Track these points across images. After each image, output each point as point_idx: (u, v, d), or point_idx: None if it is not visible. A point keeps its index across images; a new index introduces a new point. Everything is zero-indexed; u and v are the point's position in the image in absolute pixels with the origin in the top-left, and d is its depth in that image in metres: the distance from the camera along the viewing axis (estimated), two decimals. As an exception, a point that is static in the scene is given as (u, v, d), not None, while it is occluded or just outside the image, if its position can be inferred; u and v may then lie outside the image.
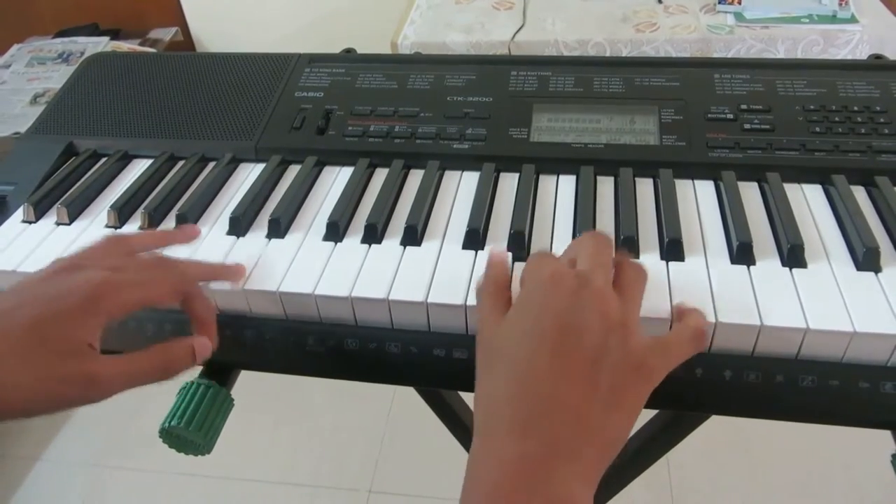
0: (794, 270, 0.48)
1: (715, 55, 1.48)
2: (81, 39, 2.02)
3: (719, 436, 1.50)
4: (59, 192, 0.62)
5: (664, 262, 0.49)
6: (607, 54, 1.51)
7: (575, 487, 0.34)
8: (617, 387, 0.37)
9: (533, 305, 0.39)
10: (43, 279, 0.42)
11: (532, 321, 0.39)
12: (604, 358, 0.37)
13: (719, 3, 1.55)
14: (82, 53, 1.94)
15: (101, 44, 1.98)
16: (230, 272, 0.50)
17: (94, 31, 2.15)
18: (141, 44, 2.08)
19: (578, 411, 0.36)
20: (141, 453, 1.61)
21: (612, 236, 0.47)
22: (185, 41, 2.30)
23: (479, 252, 0.52)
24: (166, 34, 2.17)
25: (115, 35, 2.13)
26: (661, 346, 0.40)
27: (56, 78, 1.86)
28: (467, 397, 0.85)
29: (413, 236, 0.53)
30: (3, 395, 0.37)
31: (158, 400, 0.52)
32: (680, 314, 0.44)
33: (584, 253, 0.42)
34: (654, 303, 0.46)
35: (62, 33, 2.10)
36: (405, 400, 1.63)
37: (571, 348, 0.37)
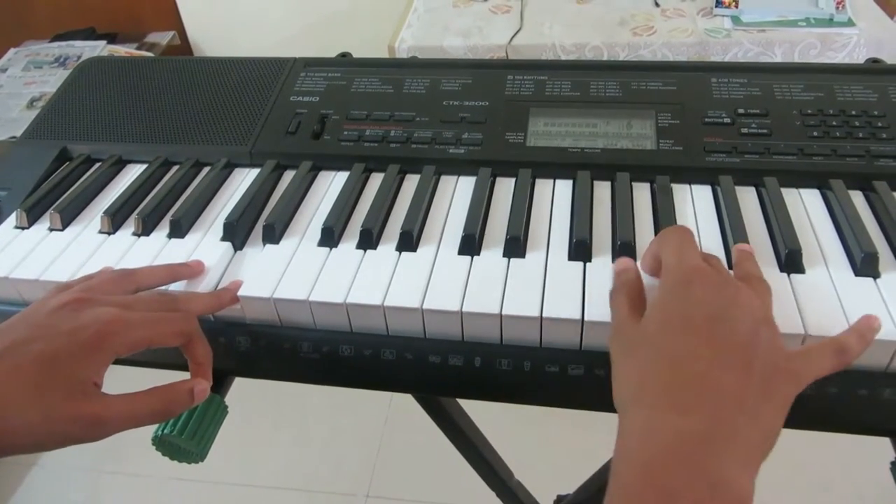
0: (791, 276, 0.47)
1: (712, 59, 1.48)
2: (78, 43, 2.02)
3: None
4: (52, 198, 0.62)
5: (661, 268, 0.49)
6: (605, 58, 1.51)
7: (735, 470, 0.33)
8: (769, 378, 0.37)
9: (679, 297, 0.40)
10: (52, 312, 0.42)
11: (680, 311, 0.39)
12: (757, 347, 0.37)
13: (716, 6, 1.55)
14: (79, 57, 1.94)
15: (98, 48, 1.98)
16: (230, 297, 0.50)
17: (90, 35, 2.15)
18: (138, 48, 2.08)
19: (735, 394, 0.35)
20: (137, 458, 1.60)
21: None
22: (182, 45, 2.30)
23: (475, 257, 0.51)
24: (163, 38, 2.17)
25: (112, 39, 2.13)
26: (804, 353, 0.40)
27: (53, 82, 1.86)
28: (464, 402, 0.85)
29: (409, 242, 0.53)
30: (11, 434, 0.37)
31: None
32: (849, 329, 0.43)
33: (740, 263, 0.45)
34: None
35: (59, 37, 2.10)
36: (402, 404, 1.62)
37: (725, 336, 0.37)
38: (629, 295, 0.43)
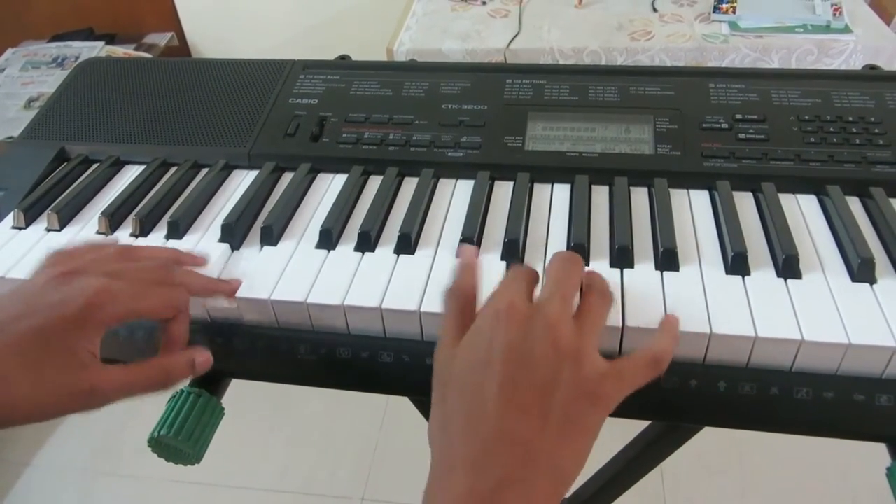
0: (788, 281, 0.48)
1: (709, 64, 1.48)
2: (76, 44, 2.02)
3: (714, 445, 1.49)
4: (49, 198, 0.62)
5: (659, 273, 0.49)
6: (602, 62, 1.52)
7: None
8: (569, 417, 0.37)
9: (485, 336, 0.39)
10: (43, 286, 0.42)
11: (483, 353, 0.38)
12: (554, 390, 0.37)
13: (714, 12, 1.56)
14: (77, 58, 1.94)
15: (96, 48, 1.98)
16: (227, 288, 0.50)
17: (89, 35, 2.15)
18: (136, 48, 2.07)
19: (529, 444, 0.36)
20: (133, 460, 1.60)
21: (583, 256, 0.48)
22: (181, 46, 2.30)
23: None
24: (162, 39, 2.17)
25: (111, 40, 2.13)
26: (615, 372, 0.39)
27: (51, 82, 1.85)
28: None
29: (407, 244, 0.53)
30: (8, 408, 0.38)
31: (150, 406, 0.51)
32: (658, 333, 0.43)
33: (548, 279, 0.42)
34: (649, 314, 0.45)
35: (57, 38, 2.10)
36: (398, 407, 1.62)
37: (521, 380, 0.37)
38: (458, 306, 0.42)
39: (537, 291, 0.43)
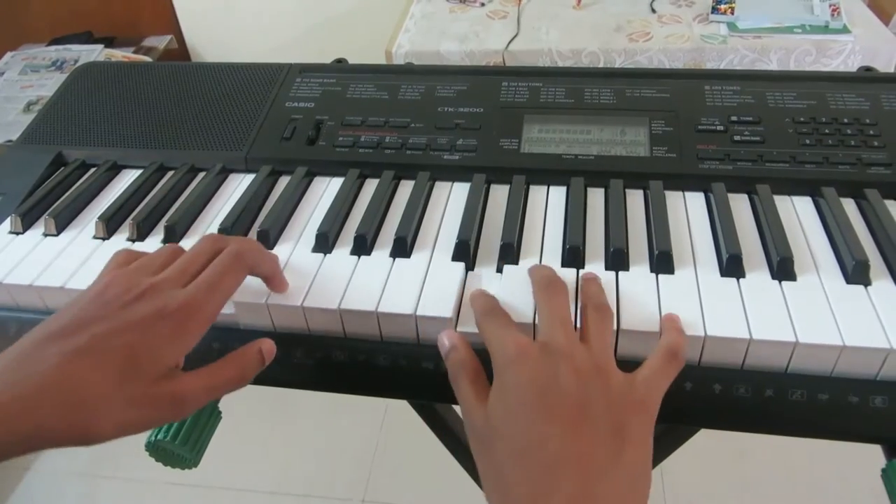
0: (783, 283, 0.48)
1: (708, 65, 1.48)
2: (75, 47, 2.02)
3: (713, 445, 1.49)
4: (47, 203, 0.62)
5: (654, 275, 0.49)
6: (601, 64, 1.52)
7: None
8: (616, 427, 0.38)
9: (510, 385, 0.40)
10: (126, 305, 0.40)
11: (514, 399, 0.39)
12: (590, 407, 0.38)
13: (712, 12, 1.56)
14: (76, 61, 1.94)
15: (95, 52, 1.98)
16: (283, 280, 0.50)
17: (88, 38, 2.15)
18: (135, 52, 2.08)
19: (584, 460, 0.36)
20: (132, 463, 1.60)
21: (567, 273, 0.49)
22: (180, 49, 2.30)
23: (469, 264, 0.52)
24: (160, 42, 2.17)
25: (110, 43, 2.13)
26: (641, 378, 0.41)
27: (50, 85, 1.86)
28: (459, 409, 0.85)
29: (402, 248, 0.53)
30: (98, 425, 0.38)
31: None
32: (663, 332, 0.45)
33: (540, 310, 0.44)
34: (645, 317, 0.45)
35: (56, 41, 2.10)
36: (398, 408, 1.62)
37: (558, 408, 0.38)
38: (469, 378, 0.43)
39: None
